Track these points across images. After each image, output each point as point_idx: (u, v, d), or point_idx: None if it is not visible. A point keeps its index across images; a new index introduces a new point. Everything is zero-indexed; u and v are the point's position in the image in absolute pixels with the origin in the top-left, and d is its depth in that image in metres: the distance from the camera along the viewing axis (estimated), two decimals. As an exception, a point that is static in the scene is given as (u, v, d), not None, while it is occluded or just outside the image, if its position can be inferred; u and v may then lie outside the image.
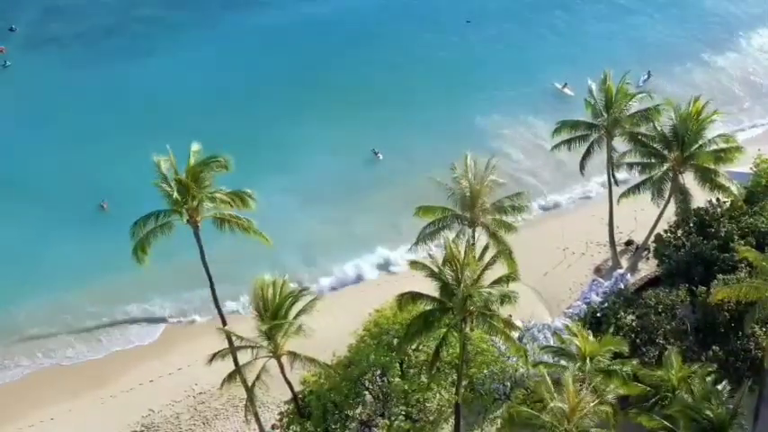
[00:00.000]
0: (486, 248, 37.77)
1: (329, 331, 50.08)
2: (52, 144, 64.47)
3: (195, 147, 38.06)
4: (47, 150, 63.76)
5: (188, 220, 37.89)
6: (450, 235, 41.69)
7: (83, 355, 50.90)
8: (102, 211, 58.86)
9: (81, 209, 58.82)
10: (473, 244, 39.47)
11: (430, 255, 37.59)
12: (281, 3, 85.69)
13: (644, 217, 55.26)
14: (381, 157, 64.80)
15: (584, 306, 48.64)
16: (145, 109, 68.36)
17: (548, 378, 33.63)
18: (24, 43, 78.77)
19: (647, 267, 53.29)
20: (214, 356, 38.29)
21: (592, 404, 31.84)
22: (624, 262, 54.96)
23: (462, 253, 34.95)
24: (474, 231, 43.58)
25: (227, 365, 38.84)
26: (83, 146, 63.95)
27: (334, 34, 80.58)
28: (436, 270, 35.23)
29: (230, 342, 38.40)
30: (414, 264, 36.41)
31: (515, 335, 40.07)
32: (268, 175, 58.70)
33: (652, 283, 49.69)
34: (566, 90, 71.11)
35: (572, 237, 58.00)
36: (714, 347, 41.04)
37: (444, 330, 36.24)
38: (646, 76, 72.99)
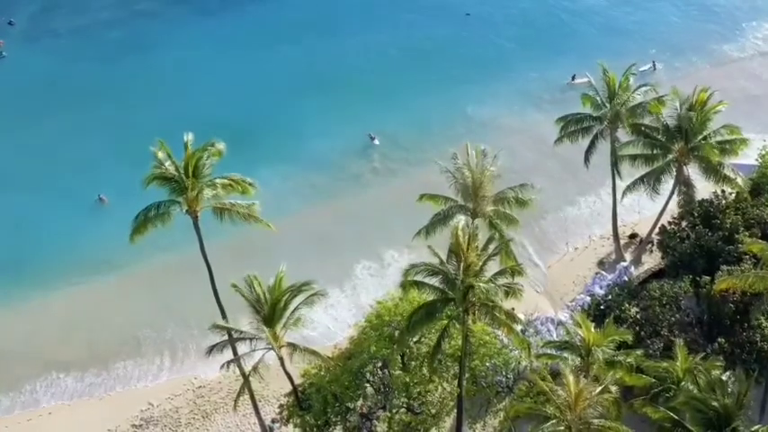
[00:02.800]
0: (489, 240, 37.27)
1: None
2: (48, 136, 64.19)
3: (190, 136, 37.49)
4: (41, 143, 63.42)
5: (187, 211, 37.44)
6: (459, 223, 40.91)
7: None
8: (101, 204, 58.48)
9: (79, 202, 58.30)
10: (476, 234, 38.81)
11: (429, 246, 36.62)
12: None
13: (648, 209, 54.87)
14: (377, 142, 64.60)
15: (588, 299, 48.12)
16: (143, 102, 67.98)
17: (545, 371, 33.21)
18: (23, 37, 79.18)
19: (651, 260, 52.72)
20: (212, 348, 37.88)
21: (594, 393, 31.42)
22: (628, 255, 54.41)
23: (465, 243, 34.43)
24: (475, 222, 43.02)
25: (226, 359, 38.33)
26: (80, 139, 63.64)
27: (331, 24, 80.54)
28: (437, 262, 34.67)
29: (229, 333, 37.92)
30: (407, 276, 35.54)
31: (518, 327, 39.53)
32: (265, 163, 58.25)
33: (656, 275, 49.19)
34: (579, 80, 67.70)
35: (575, 230, 57.59)
36: (720, 339, 40.66)
37: (446, 322, 35.78)
38: (650, 66, 72.38)
